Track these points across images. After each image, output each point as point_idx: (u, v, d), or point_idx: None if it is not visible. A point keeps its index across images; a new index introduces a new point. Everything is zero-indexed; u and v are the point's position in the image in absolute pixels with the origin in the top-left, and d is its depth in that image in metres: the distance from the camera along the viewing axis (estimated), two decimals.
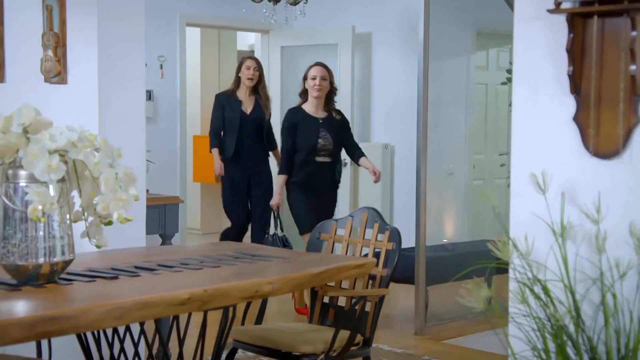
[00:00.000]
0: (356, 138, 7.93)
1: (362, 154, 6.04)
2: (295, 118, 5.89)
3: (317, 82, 5.78)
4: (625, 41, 2.54)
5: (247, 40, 10.51)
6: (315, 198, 5.83)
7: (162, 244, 5.09)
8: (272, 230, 6.25)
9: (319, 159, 5.83)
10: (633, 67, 2.53)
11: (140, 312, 2.54)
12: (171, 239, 5.15)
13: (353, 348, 3.58)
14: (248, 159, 6.59)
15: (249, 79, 6.50)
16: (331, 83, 5.92)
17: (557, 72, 2.72)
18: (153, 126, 7.37)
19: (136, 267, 3.04)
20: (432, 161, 5.90)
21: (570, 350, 2.44)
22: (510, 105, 3.27)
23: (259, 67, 6.59)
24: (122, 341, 3.43)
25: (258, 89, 6.61)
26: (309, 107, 5.88)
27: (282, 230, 6.26)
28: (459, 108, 7.26)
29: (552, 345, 2.46)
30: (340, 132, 5.93)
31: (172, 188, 7.19)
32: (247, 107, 6.62)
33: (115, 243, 3.20)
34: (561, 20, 2.65)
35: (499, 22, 5.01)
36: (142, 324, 3.34)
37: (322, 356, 3.48)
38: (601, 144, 2.65)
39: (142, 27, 4.19)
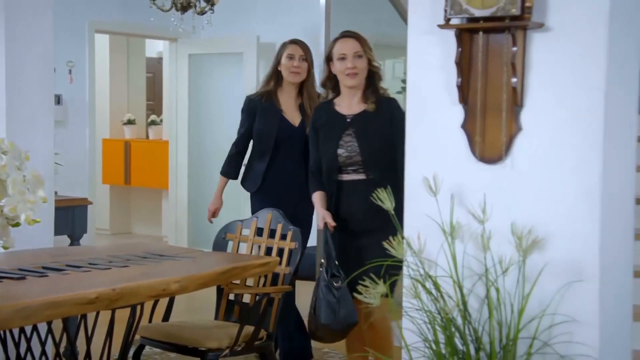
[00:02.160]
0: None
1: None
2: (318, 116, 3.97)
3: (348, 63, 3.72)
4: (507, 56, 2.59)
5: (155, 47, 10.37)
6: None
7: (71, 244, 4.97)
8: None
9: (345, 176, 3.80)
10: (514, 80, 2.59)
11: (48, 312, 2.48)
12: (80, 239, 5.04)
13: (257, 342, 3.58)
14: (285, 195, 4.27)
15: (293, 72, 4.29)
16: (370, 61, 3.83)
17: (447, 83, 2.75)
18: (62, 130, 7.19)
19: (44, 268, 2.96)
20: None
21: (457, 341, 2.49)
22: (404, 113, 3.31)
23: (307, 56, 4.33)
24: (28, 340, 3.34)
25: (304, 88, 4.36)
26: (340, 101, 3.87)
27: None
28: None
29: (441, 337, 2.49)
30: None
31: (81, 190, 7.01)
32: (293, 116, 4.37)
33: (23, 244, 3.12)
34: (450, 35, 2.68)
35: (394, 35, 5.07)
36: (49, 323, 3.26)
37: (227, 351, 3.47)
38: (486, 150, 2.68)
39: (51, 33, 4.09)
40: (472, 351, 2.48)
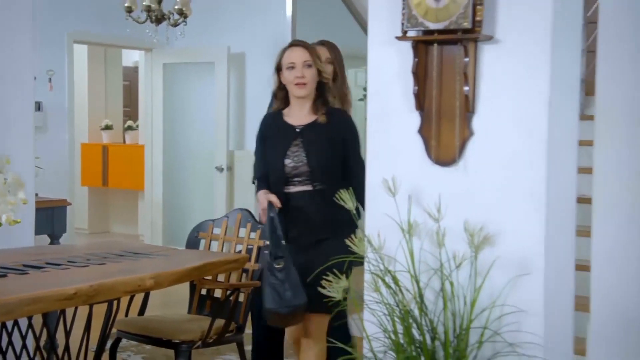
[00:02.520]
0: (232, 146, 7.91)
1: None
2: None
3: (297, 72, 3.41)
4: (460, 66, 2.60)
5: (132, 57, 10.30)
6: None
7: (51, 243, 4.93)
8: None
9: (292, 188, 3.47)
10: (466, 88, 2.60)
11: (28, 307, 2.45)
12: (59, 238, 4.99)
13: (228, 335, 3.57)
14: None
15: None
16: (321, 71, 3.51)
17: (405, 91, 2.75)
18: (42, 135, 7.11)
19: (24, 266, 2.93)
20: None
21: (415, 331, 2.50)
22: (366, 119, 3.30)
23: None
24: (10, 334, 3.30)
25: (324, 94, 3.52)
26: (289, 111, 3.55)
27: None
28: None
29: (400, 327, 2.50)
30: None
31: (61, 191, 6.93)
32: None
33: (4, 243, 3.09)
34: (407, 47, 2.69)
35: (356, 46, 5.10)
36: (29, 318, 3.22)
37: (199, 343, 3.46)
38: (441, 153, 2.69)
39: (31, 43, 4.05)
40: (428, 340, 2.49)
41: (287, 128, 3.49)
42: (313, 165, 3.42)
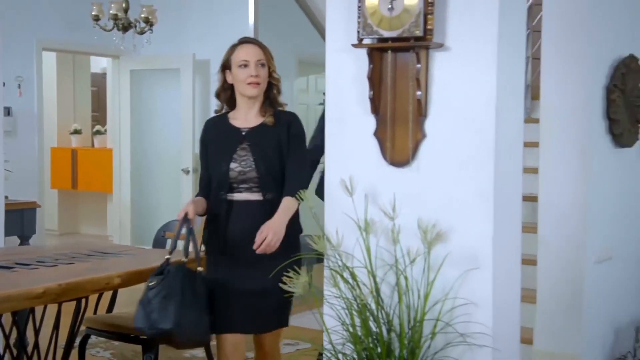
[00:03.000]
0: (197, 149, 7.82)
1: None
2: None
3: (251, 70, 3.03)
4: (412, 72, 2.61)
5: (99, 63, 10.18)
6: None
7: (21, 244, 4.86)
8: None
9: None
10: (419, 93, 2.61)
11: None
12: (29, 239, 4.92)
13: None
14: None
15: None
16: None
17: (361, 96, 2.75)
18: (12, 139, 6.98)
19: None
20: None
21: (372, 324, 2.50)
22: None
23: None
24: None
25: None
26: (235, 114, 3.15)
27: None
28: None
29: (357, 320, 2.50)
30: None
31: (31, 194, 6.82)
32: None
33: None
34: (363, 53, 2.69)
35: (316, 52, 5.10)
36: None
37: None
38: (395, 155, 2.70)
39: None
40: (385, 332, 2.49)
41: (232, 131, 3.08)
42: (262, 172, 3.01)
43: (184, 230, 3.00)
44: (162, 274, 2.88)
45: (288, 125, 3.09)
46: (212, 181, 3.08)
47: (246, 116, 3.09)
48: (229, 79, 3.07)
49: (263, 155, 3.02)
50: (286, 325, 3.14)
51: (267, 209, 2.98)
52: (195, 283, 2.89)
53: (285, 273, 2.49)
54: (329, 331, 2.56)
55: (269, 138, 3.04)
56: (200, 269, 2.96)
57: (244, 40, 3.12)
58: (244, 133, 3.06)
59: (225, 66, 3.08)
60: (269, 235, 2.89)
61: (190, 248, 3.01)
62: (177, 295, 2.82)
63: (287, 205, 2.98)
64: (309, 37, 6.93)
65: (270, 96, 3.12)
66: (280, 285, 2.50)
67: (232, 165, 3.02)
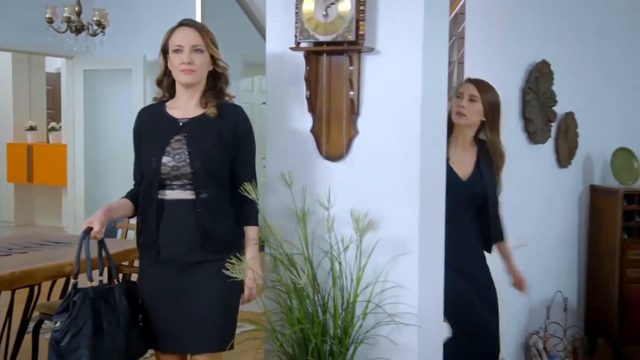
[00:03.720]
0: None
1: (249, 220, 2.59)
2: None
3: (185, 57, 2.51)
4: (346, 73, 2.63)
5: (54, 63, 9.94)
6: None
7: None
8: None
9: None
10: (352, 93, 2.62)
11: None
12: None
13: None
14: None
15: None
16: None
17: (299, 95, 2.75)
18: None
19: None
20: None
21: (308, 306, 2.51)
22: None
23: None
24: None
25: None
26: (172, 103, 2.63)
27: None
28: None
29: (296, 303, 2.50)
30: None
31: None
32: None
33: None
34: (301, 56, 2.69)
35: (259, 55, 5.09)
36: None
37: None
38: (330, 150, 2.71)
39: None
40: (320, 313, 2.50)
41: (169, 121, 2.53)
42: (196, 167, 2.46)
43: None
44: (67, 309, 2.32)
45: (235, 122, 2.57)
46: (143, 177, 2.54)
47: (186, 106, 2.56)
48: (169, 65, 2.58)
49: (200, 149, 2.48)
50: (228, 348, 2.52)
51: (200, 209, 2.46)
52: (111, 304, 2.40)
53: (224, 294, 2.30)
54: (270, 313, 2.55)
55: (209, 131, 2.51)
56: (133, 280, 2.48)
57: (182, 23, 2.58)
58: (181, 124, 2.52)
59: (165, 50, 2.61)
60: (253, 291, 2.54)
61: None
62: (88, 329, 2.32)
63: (254, 238, 2.55)
64: (254, 40, 6.88)
65: (216, 87, 2.60)
66: (223, 303, 2.33)
67: (165, 159, 2.47)
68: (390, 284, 2.57)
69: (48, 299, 3.60)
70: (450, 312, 2.89)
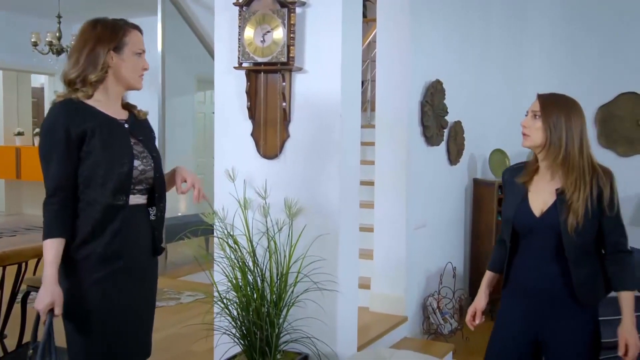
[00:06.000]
0: None
1: None
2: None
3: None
4: (279, 88, 2.62)
5: (39, 80, 9.57)
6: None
7: None
8: None
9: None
10: (284, 104, 2.62)
11: None
12: None
13: None
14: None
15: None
16: None
17: (241, 106, 2.73)
18: None
19: None
20: (171, 163, 5.74)
21: (249, 277, 2.48)
22: None
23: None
24: None
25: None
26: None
27: None
28: (187, 128, 7.11)
29: (239, 275, 2.47)
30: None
31: None
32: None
33: None
34: (242, 74, 2.67)
35: (210, 73, 5.00)
36: None
37: None
38: (267, 150, 2.70)
39: None
40: (259, 282, 2.48)
41: (113, 122, 1.88)
42: (160, 172, 1.95)
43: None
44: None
45: (150, 126, 2.02)
46: (102, 185, 1.81)
47: (114, 108, 1.91)
48: (111, 62, 1.87)
49: (157, 153, 1.97)
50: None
51: (159, 215, 1.94)
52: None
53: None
54: (218, 284, 2.52)
55: (149, 134, 1.98)
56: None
57: (136, 26, 1.94)
58: (126, 126, 1.91)
59: (117, 47, 1.87)
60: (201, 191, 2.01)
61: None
62: None
63: None
64: (206, 61, 6.75)
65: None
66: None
67: (136, 163, 1.87)
68: (315, 258, 2.57)
69: (34, 274, 3.42)
70: None
